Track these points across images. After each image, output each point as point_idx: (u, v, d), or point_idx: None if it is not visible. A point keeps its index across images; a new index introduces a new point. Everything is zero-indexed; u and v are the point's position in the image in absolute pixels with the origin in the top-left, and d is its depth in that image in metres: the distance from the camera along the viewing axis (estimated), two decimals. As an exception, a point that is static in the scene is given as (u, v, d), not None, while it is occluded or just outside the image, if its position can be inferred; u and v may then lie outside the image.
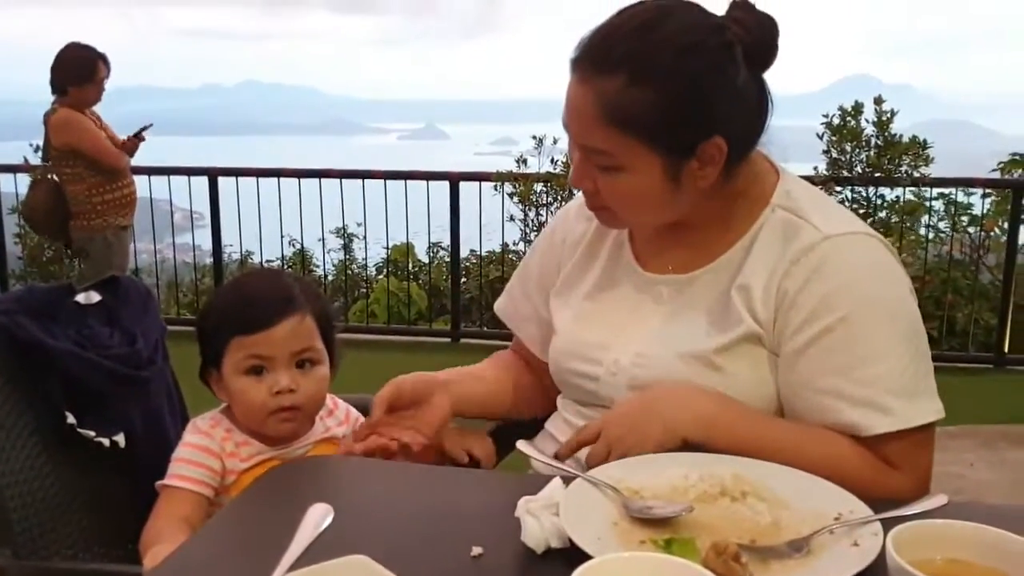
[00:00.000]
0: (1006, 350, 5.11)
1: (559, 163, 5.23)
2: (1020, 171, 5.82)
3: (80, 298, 1.35)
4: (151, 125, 4.31)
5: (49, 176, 4.37)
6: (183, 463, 1.25)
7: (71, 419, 1.27)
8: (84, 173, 4.16)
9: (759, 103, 1.14)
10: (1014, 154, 5.89)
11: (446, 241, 6.24)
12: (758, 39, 1.11)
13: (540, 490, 0.96)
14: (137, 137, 4.27)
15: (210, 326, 1.27)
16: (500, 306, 1.44)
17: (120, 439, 1.32)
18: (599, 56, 1.08)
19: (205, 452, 1.25)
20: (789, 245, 1.12)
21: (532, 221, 5.35)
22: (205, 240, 6.98)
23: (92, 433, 1.29)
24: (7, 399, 1.25)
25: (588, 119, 1.08)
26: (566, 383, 1.29)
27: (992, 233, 5.59)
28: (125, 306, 1.39)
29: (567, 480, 1.00)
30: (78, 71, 4.08)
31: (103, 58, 4.19)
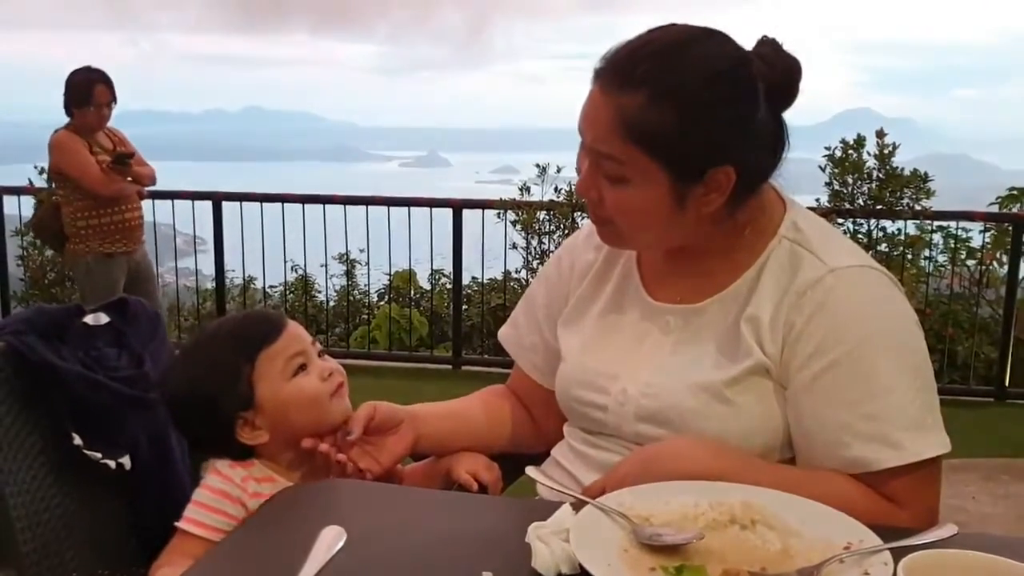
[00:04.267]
0: (1007, 383, 5.11)
1: (562, 191, 5.25)
2: (1018, 205, 5.85)
3: (89, 319, 1.35)
4: (132, 155, 4.20)
5: (52, 197, 4.45)
6: (201, 508, 1.21)
7: (78, 440, 1.27)
8: (71, 196, 4.18)
9: (775, 140, 1.15)
10: (1012, 188, 5.93)
11: (448, 268, 6.26)
12: (781, 78, 1.12)
13: (549, 516, 0.96)
14: (117, 165, 4.15)
15: (224, 371, 1.22)
16: (504, 335, 1.44)
17: (126, 461, 1.32)
18: (624, 71, 1.09)
19: (225, 498, 1.21)
20: (796, 277, 1.13)
21: (535, 249, 5.36)
22: (206, 265, 7.00)
23: (98, 455, 1.29)
24: (15, 419, 1.25)
25: (604, 128, 1.10)
26: (573, 411, 1.28)
27: (991, 266, 5.61)
28: (134, 328, 1.39)
29: (576, 506, 1.00)
30: (77, 94, 4.11)
31: (105, 82, 4.16)
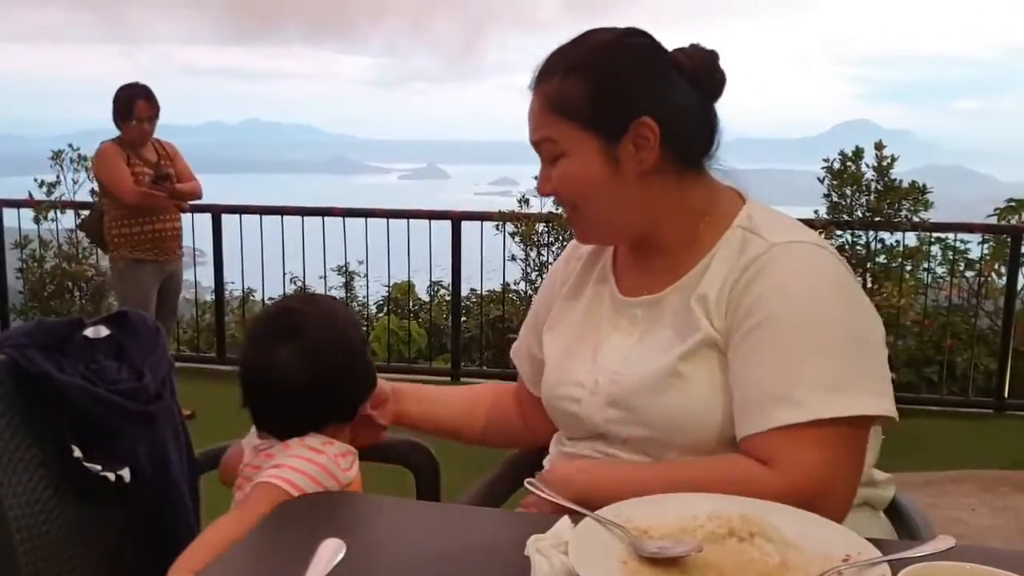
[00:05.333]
0: (1006, 395, 5.11)
1: (560, 204, 5.27)
2: (1017, 216, 5.87)
3: (89, 332, 1.36)
4: (168, 176, 4.36)
5: (98, 204, 4.72)
6: (307, 478, 1.21)
7: (77, 453, 1.27)
8: (108, 205, 4.44)
9: (705, 120, 1.25)
10: (1010, 200, 5.95)
11: (446, 280, 6.26)
12: (700, 63, 1.23)
13: (548, 529, 0.96)
14: (159, 185, 4.34)
15: (360, 343, 1.35)
16: (513, 347, 1.54)
17: (125, 474, 1.32)
18: (543, 68, 1.24)
19: (329, 475, 1.23)
20: (742, 256, 1.19)
21: (533, 261, 5.37)
22: (204, 277, 7.00)
23: (98, 467, 1.30)
24: (15, 433, 1.25)
25: (536, 115, 1.23)
26: (555, 410, 1.35)
27: (989, 277, 5.62)
28: (133, 341, 1.40)
29: (575, 519, 1.00)
30: (120, 109, 4.32)
31: (147, 97, 4.34)
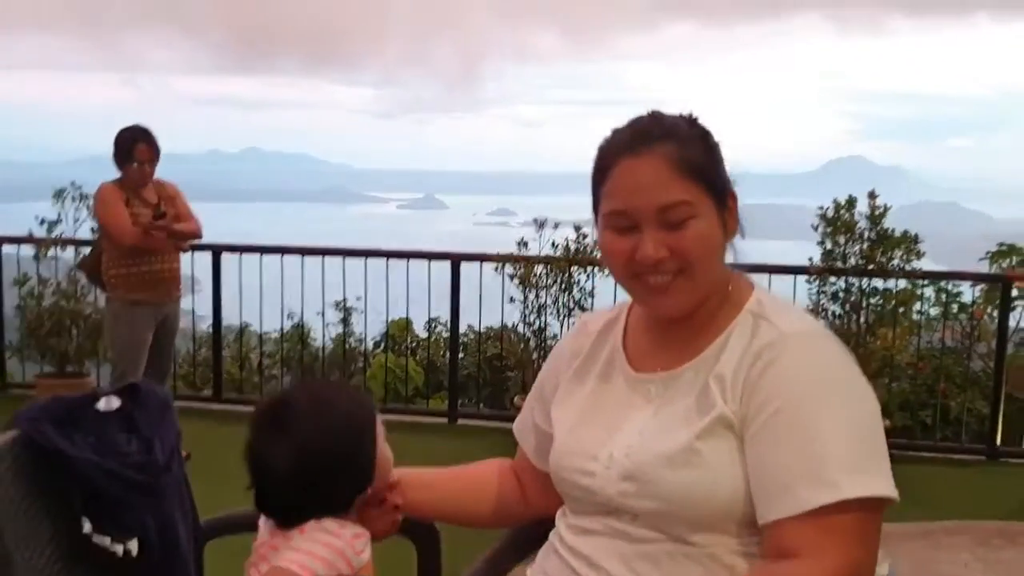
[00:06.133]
0: (998, 442, 5.13)
1: (559, 247, 5.33)
2: (1009, 260, 5.92)
3: (101, 404, 1.39)
4: (164, 215, 4.40)
5: (96, 243, 4.77)
6: (318, 562, 1.20)
7: (87, 527, 1.30)
8: (107, 245, 4.46)
9: None
10: (1001, 244, 6.00)
11: (444, 316, 6.29)
12: None
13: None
14: (157, 224, 4.37)
15: (366, 428, 1.30)
16: (516, 423, 1.55)
17: (133, 546, 1.35)
18: (648, 134, 1.26)
19: (340, 557, 1.23)
20: (754, 340, 1.24)
21: (532, 303, 5.41)
22: (199, 306, 7.02)
23: (107, 540, 1.32)
24: (29, 507, 1.28)
25: (663, 177, 1.23)
26: (566, 483, 1.35)
27: (981, 320, 5.66)
28: (143, 412, 1.43)
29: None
30: (120, 152, 4.36)
31: (147, 140, 4.37)
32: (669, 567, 1.22)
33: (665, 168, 1.24)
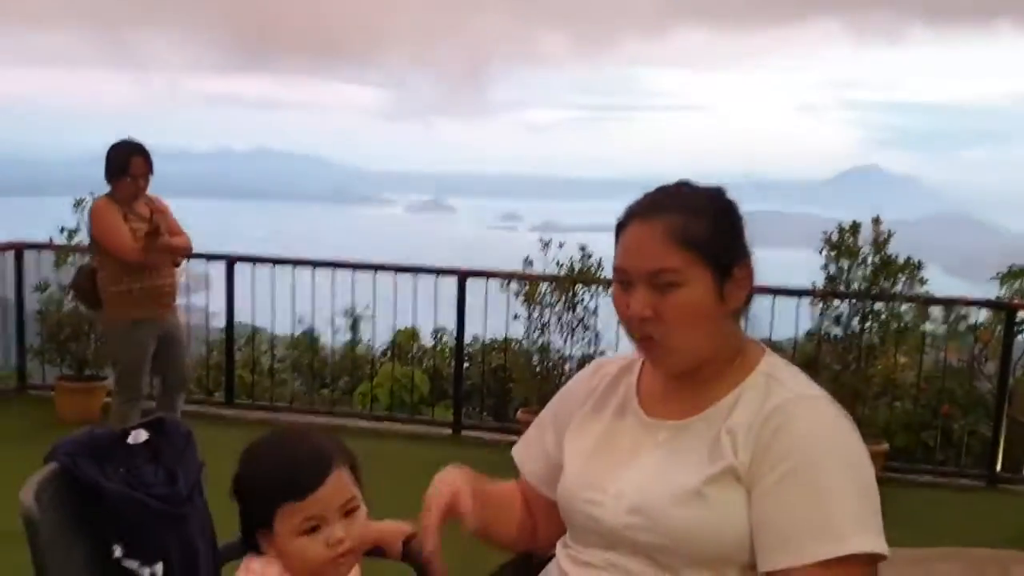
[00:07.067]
0: (998, 468, 5.14)
1: (564, 266, 5.41)
2: (1017, 282, 5.88)
3: (130, 439, 1.49)
4: (157, 228, 4.26)
5: (88, 261, 4.61)
6: None
7: (118, 552, 1.39)
8: (104, 262, 4.32)
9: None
10: (1012, 266, 5.95)
11: (450, 325, 6.40)
12: None
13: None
14: (152, 238, 4.24)
15: (256, 496, 1.32)
16: (515, 450, 1.62)
17: (159, 569, 1.44)
18: (655, 206, 1.37)
19: None
20: (766, 402, 1.33)
21: (536, 320, 5.50)
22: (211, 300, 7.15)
23: (135, 563, 1.41)
24: (64, 534, 1.37)
25: (658, 244, 1.33)
26: (573, 511, 1.43)
27: (988, 344, 5.65)
28: (168, 445, 1.53)
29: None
30: (114, 166, 4.26)
31: (142, 154, 4.29)
32: None
33: (663, 236, 1.33)
